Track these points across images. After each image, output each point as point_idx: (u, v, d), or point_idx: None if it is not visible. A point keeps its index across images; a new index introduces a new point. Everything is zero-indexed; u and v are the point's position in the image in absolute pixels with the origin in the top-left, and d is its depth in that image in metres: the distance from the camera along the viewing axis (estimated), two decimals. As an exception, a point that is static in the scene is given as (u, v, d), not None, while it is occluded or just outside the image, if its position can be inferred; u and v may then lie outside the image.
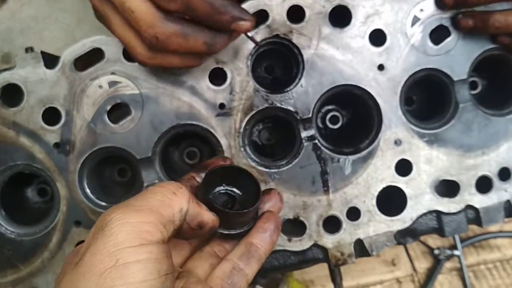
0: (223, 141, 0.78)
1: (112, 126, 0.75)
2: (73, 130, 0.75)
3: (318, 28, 0.78)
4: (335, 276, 0.95)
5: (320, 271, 1.06)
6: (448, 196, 0.82)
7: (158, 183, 0.67)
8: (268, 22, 0.77)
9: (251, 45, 0.77)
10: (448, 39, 0.80)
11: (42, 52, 0.75)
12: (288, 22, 0.77)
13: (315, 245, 0.80)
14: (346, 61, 0.79)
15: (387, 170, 0.80)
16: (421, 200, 0.81)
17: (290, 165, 0.79)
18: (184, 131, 0.78)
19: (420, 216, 0.82)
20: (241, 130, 0.78)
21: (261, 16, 0.76)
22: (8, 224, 0.79)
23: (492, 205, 0.84)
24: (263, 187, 0.77)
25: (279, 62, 0.85)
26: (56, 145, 0.75)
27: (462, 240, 1.19)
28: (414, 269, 1.17)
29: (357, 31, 0.79)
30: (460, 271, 1.17)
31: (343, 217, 0.80)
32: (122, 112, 0.76)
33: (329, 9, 0.77)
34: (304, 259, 0.81)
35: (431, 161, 0.81)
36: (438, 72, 0.81)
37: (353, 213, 0.80)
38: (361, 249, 0.81)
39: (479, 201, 0.83)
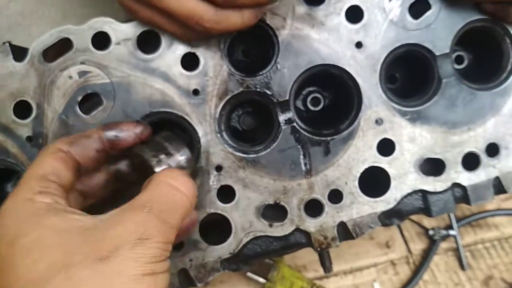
0: (199, 128, 0.76)
1: (84, 117, 0.74)
2: (44, 123, 0.74)
3: (292, 7, 0.75)
4: (324, 260, 0.94)
5: (312, 256, 1.04)
6: (433, 175, 0.80)
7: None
8: (239, 3, 0.74)
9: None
10: (428, 13, 0.77)
11: (10, 45, 0.74)
12: (260, 2, 0.74)
13: (298, 229, 0.78)
14: (322, 40, 0.77)
15: (368, 151, 0.78)
16: (405, 180, 0.79)
17: (268, 150, 0.77)
18: (159, 119, 0.76)
19: (405, 196, 0.80)
20: (217, 115, 0.77)
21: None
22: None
23: (480, 183, 0.81)
24: (241, 173, 0.76)
25: (256, 45, 0.83)
26: (29, 138, 0.74)
27: (458, 220, 1.16)
28: (409, 251, 1.15)
29: (333, 8, 0.76)
30: (456, 251, 1.14)
31: (325, 200, 0.78)
32: (93, 103, 0.74)
33: (303, -13, 0.75)
34: (287, 245, 0.79)
35: (415, 139, 0.79)
36: (419, 47, 0.78)
37: (335, 196, 0.78)
38: (344, 232, 0.79)
39: (467, 178, 0.81)
